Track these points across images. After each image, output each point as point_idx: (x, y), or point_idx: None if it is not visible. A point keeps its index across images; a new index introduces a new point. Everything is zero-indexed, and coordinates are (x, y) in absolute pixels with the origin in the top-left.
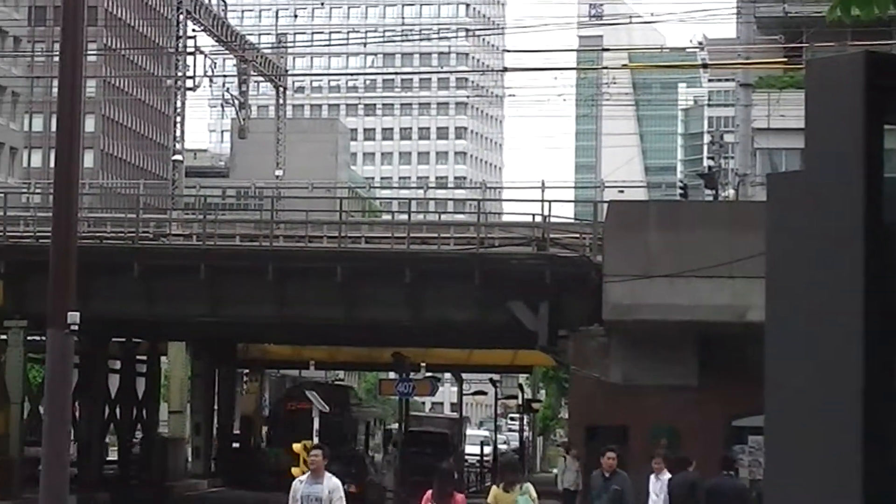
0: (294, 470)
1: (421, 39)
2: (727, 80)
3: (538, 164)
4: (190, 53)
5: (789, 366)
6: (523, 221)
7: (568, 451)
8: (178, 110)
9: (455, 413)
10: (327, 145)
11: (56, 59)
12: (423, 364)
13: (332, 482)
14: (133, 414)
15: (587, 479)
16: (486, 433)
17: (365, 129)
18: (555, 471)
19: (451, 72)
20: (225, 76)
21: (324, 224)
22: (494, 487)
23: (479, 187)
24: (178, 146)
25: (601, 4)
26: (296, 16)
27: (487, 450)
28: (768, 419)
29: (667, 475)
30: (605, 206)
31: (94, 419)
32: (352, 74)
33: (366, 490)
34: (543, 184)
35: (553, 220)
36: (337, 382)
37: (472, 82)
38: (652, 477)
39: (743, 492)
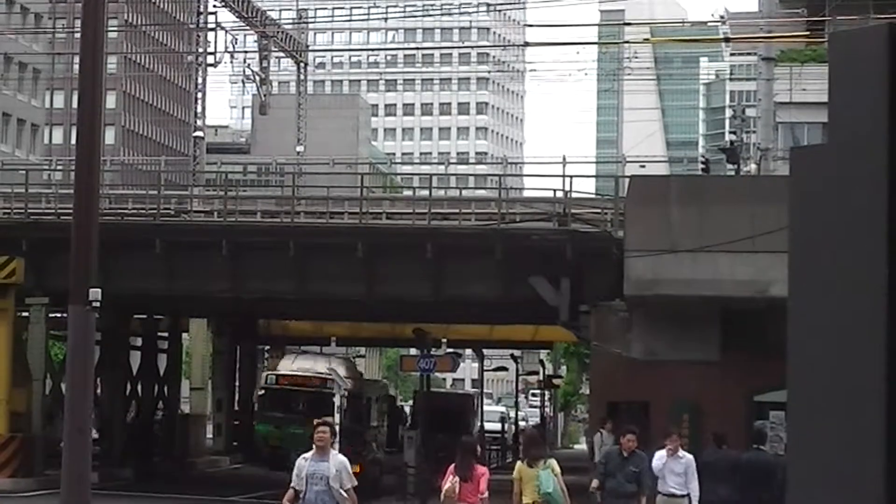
0: None
1: (442, 14)
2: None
3: (559, 139)
4: (211, 29)
5: (812, 340)
6: (544, 197)
7: (604, 425)
8: (200, 86)
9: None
10: (348, 121)
11: (77, 35)
12: (445, 340)
13: (338, 459)
14: (155, 391)
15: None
16: (503, 409)
17: (386, 105)
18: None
19: (472, 47)
20: (246, 52)
21: (345, 200)
22: (519, 462)
23: (501, 163)
24: (199, 122)
25: None
26: None
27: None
28: (791, 394)
29: (686, 454)
30: (627, 180)
31: (116, 396)
32: (373, 50)
33: (366, 468)
34: (565, 159)
35: (574, 195)
36: (337, 355)
37: (494, 57)
38: (662, 454)
39: (774, 465)
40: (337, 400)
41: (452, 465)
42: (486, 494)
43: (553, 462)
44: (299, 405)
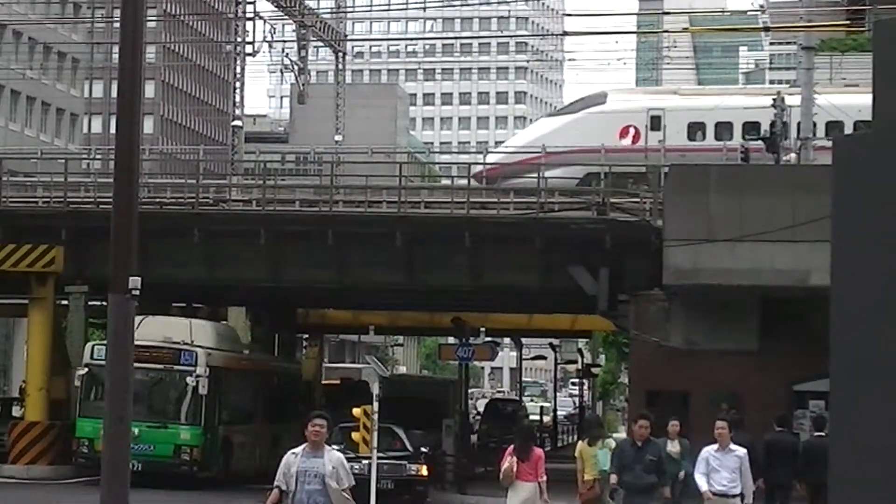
0: (354, 435)
1: (480, 3)
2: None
3: None
4: (249, 19)
5: (855, 330)
6: (583, 186)
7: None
8: (238, 76)
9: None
10: (386, 110)
11: (116, 25)
12: (483, 329)
13: (333, 455)
14: None
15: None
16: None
17: (424, 94)
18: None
19: (510, 36)
20: (284, 41)
21: (383, 189)
22: (581, 442)
23: (539, 152)
24: (237, 112)
25: None
26: None
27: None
28: (833, 383)
29: (738, 447)
30: (666, 169)
31: None
32: (411, 39)
33: None
34: (603, 147)
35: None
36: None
37: (532, 46)
38: (711, 448)
39: (796, 446)
40: (193, 381)
41: (511, 447)
42: (545, 478)
43: (610, 442)
44: (140, 391)
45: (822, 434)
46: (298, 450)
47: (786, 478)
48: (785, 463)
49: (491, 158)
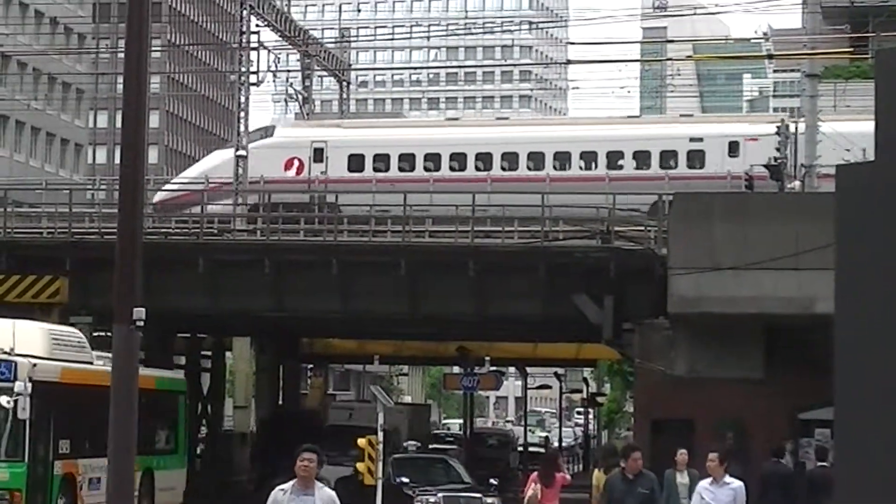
0: (359, 465)
1: (484, 32)
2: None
3: None
4: (253, 49)
5: (859, 358)
6: (587, 214)
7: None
8: (242, 105)
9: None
10: None
11: (121, 55)
12: (488, 358)
13: (325, 493)
14: (198, 409)
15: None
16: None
17: None
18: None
19: (514, 64)
20: (288, 71)
21: (388, 217)
22: (597, 471)
23: (544, 180)
24: (242, 141)
25: None
26: (359, 10)
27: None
28: (838, 411)
29: (734, 480)
30: (670, 198)
31: None
32: (415, 68)
33: None
34: (608, 176)
35: (617, 212)
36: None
37: (536, 75)
38: (705, 482)
39: (791, 476)
40: (10, 402)
41: (535, 473)
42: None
43: None
44: None
45: (825, 464)
46: (287, 486)
47: None
48: (780, 493)
49: (167, 189)
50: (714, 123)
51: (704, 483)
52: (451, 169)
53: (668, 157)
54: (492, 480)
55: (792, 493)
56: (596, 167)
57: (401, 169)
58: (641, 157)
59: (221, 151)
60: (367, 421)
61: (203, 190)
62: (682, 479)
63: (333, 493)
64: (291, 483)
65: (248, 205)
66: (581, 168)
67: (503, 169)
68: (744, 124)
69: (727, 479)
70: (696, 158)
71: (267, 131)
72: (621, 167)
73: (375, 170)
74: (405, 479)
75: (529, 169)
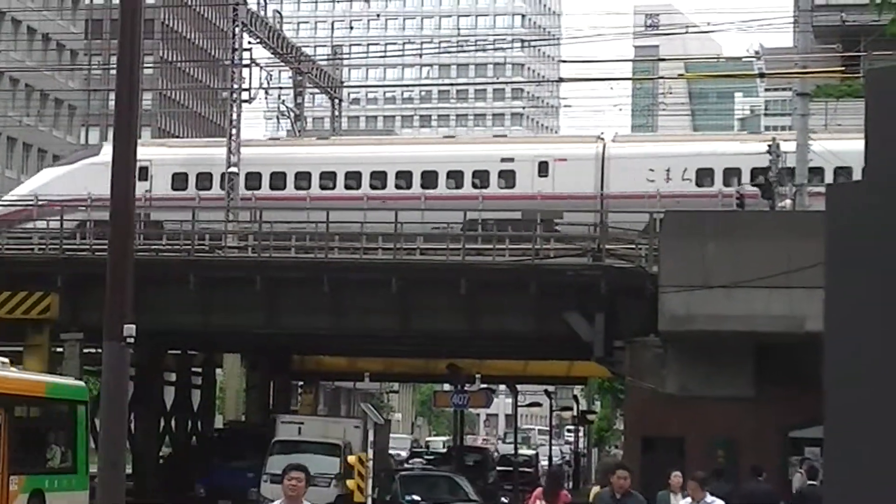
0: (349, 483)
1: (476, 50)
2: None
3: None
4: (246, 66)
5: (849, 376)
6: (579, 232)
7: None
8: (234, 122)
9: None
10: None
11: (113, 72)
12: (479, 375)
13: None
14: (188, 426)
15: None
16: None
17: None
18: None
19: (506, 82)
20: (281, 88)
21: (379, 235)
22: (596, 487)
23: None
24: (233, 158)
25: (657, 14)
26: (351, 27)
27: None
28: (828, 430)
29: (714, 499)
30: (661, 216)
31: (150, 431)
32: (407, 86)
33: None
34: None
35: (608, 230)
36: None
37: (528, 93)
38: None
39: (771, 495)
40: None
41: (539, 490)
42: None
43: None
44: None
45: (814, 483)
46: None
47: None
48: None
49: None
50: (524, 144)
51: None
52: (272, 188)
53: (480, 177)
54: (503, 499)
55: None
56: (411, 186)
57: (222, 188)
58: (455, 177)
59: (51, 169)
60: (318, 436)
61: (31, 209)
62: (676, 501)
63: None
64: (279, 503)
65: (76, 220)
66: (396, 188)
67: (321, 188)
68: (553, 145)
69: (708, 498)
70: (507, 178)
71: (93, 150)
72: (436, 186)
73: (199, 188)
74: (416, 497)
75: (347, 188)
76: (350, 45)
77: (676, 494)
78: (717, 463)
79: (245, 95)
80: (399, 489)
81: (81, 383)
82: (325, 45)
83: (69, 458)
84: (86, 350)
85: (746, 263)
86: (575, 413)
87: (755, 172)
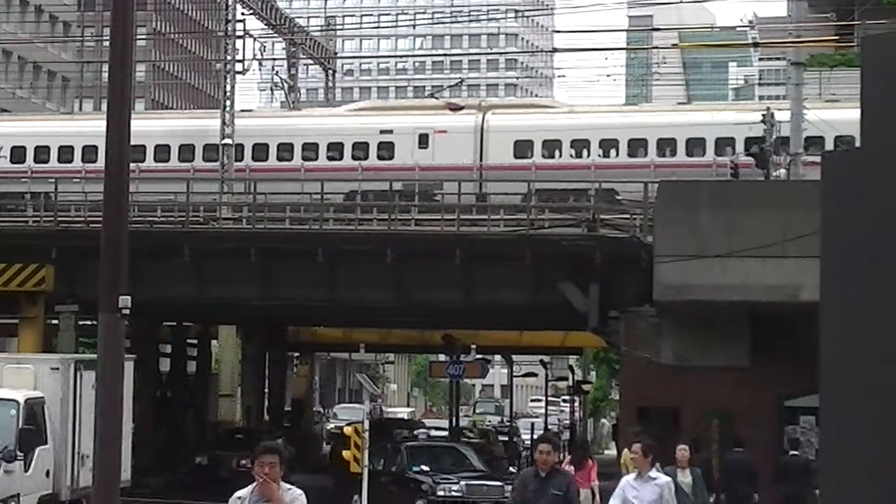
0: (346, 453)
1: (470, 21)
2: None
3: None
4: (239, 37)
5: (844, 345)
6: (573, 203)
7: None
8: (228, 94)
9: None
10: None
11: (106, 43)
12: (474, 346)
13: (292, 494)
14: (184, 398)
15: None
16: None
17: None
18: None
19: (500, 53)
20: (274, 59)
21: (373, 206)
22: (626, 451)
23: (529, 168)
24: (227, 130)
25: None
26: None
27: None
28: (823, 399)
29: (660, 475)
30: (656, 186)
31: (146, 403)
32: (401, 57)
33: None
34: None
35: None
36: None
37: (522, 63)
38: (630, 477)
39: (749, 465)
40: None
41: (568, 458)
42: (597, 482)
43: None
44: None
45: (797, 453)
46: (245, 492)
47: (744, 493)
48: (741, 479)
49: None
50: (404, 115)
51: (629, 478)
52: (156, 160)
53: (360, 149)
54: (511, 469)
55: (755, 480)
56: (293, 159)
57: (205, 159)
58: (335, 148)
59: None
60: None
61: None
62: (685, 477)
63: (300, 492)
64: (250, 488)
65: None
66: (277, 160)
67: (205, 160)
68: (434, 116)
69: (652, 473)
70: (385, 150)
71: None
72: (315, 159)
73: (38, 161)
74: (424, 468)
75: (254, 160)
76: (343, 16)
77: (684, 469)
78: (697, 434)
79: (238, 67)
80: (406, 460)
81: None
82: (318, 17)
83: None
84: (81, 322)
85: (742, 233)
86: (570, 383)
87: (632, 144)
